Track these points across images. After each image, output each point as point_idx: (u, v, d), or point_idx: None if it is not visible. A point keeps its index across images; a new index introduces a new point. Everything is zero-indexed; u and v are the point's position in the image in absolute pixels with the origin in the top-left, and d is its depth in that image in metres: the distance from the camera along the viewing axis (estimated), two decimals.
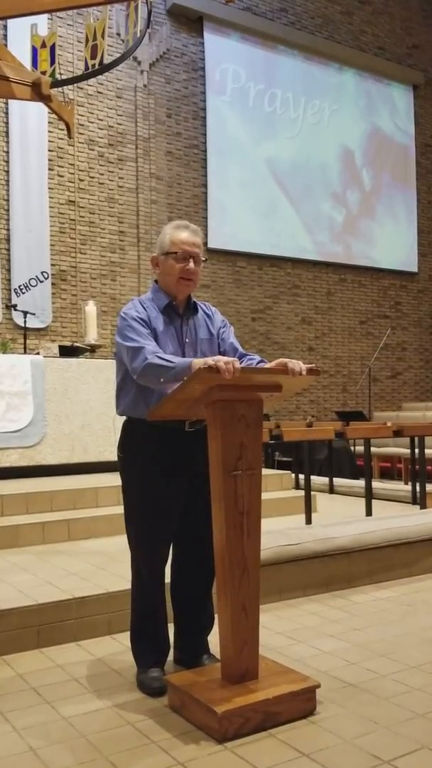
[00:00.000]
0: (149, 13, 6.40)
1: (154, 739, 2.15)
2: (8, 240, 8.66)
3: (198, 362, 2.24)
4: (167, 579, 2.68)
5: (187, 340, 2.59)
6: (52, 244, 8.95)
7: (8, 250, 8.65)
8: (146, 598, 2.59)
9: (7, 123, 8.72)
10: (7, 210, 8.67)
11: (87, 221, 9.30)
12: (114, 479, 5.11)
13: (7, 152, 8.71)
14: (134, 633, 2.62)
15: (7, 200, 8.67)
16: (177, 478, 2.53)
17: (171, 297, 2.60)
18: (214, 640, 2.61)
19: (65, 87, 7.30)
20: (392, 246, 11.96)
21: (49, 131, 8.97)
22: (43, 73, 6.08)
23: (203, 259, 2.62)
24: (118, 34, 9.27)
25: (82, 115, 9.20)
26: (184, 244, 2.54)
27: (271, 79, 10.82)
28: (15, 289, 8.56)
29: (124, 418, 2.65)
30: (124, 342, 2.47)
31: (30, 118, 8.74)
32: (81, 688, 2.55)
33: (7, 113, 8.72)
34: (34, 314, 7.98)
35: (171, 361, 2.33)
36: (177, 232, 2.57)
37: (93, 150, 9.40)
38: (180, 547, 2.68)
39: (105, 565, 3.65)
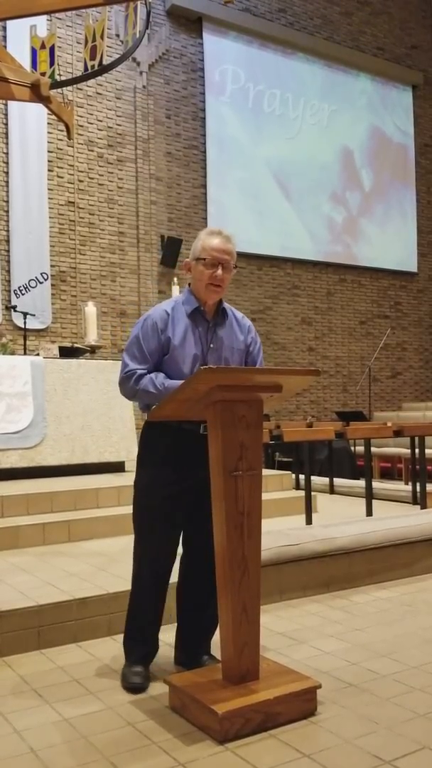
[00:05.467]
0: (148, 14, 6.40)
1: (155, 740, 2.15)
2: (8, 241, 8.66)
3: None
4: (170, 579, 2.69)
5: (211, 345, 2.60)
6: (51, 245, 8.95)
7: (8, 251, 8.65)
8: (142, 595, 2.62)
9: (6, 124, 8.72)
10: (7, 211, 8.67)
11: (87, 222, 9.30)
12: (114, 480, 5.13)
13: (7, 153, 8.71)
14: (126, 626, 2.67)
15: (7, 201, 8.67)
16: (188, 479, 2.55)
17: (200, 302, 2.62)
18: (214, 640, 2.62)
19: (64, 88, 7.30)
20: (392, 246, 11.96)
21: (49, 132, 8.97)
22: (43, 74, 6.07)
23: (234, 266, 2.63)
24: (117, 35, 9.27)
25: (81, 116, 9.20)
26: (214, 250, 2.56)
27: (271, 79, 10.82)
28: (15, 290, 8.56)
29: (128, 418, 2.68)
30: (125, 352, 2.62)
31: (29, 120, 8.74)
32: (82, 689, 2.55)
33: (6, 114, 8.72)
34: (33, 315, 7.97)
35: (158, 388, 2.49)
36: (209, 239, 2.59)
37: (92, 151, 9.41)
38: (187, 549, 2.70)
39: (105, 566, 3.65)
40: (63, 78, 6.53)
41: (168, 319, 2.57)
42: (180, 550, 2.71)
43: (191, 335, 2.58)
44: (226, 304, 2.70)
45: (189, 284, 2.69)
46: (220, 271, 2.56)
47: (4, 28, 8.57)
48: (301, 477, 5.97)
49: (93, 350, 6.40)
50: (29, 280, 8.64)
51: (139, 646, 2.62)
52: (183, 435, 2.53)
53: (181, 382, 2.43)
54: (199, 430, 2.52)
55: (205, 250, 2.57)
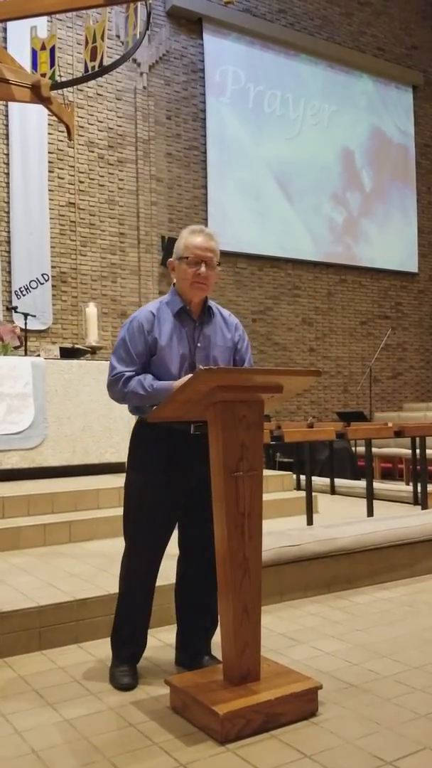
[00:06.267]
0: (148, 14, 6.40)
1: (156, 741, 2.15)
2: (9, 242, 8.66)
3: (177, 384, 2.41)
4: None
5: (199, 344, 2.60)
6: (52, 246, 8.95)
7: (9, 252, 8.66)
8: (132, 595, 2.63)
9: (7, 125, 8.73)
10: (8, 212, 8.67)
11: (87, 223, 9.31)
12: (115, 481, 5.12)
13: (8, 154, 8.72)
14: (114, 626, 2.67)
15: (8, 202, 8.68)
16: (179, 479, 2.55)
17: (186, 301, 2.61)
18: (215, 641, 2.62)
19: (65, 89, 7.30)
20: (392, 246, 11.96)
21: (49, 133, 8.98)
22: (43, 75, 6.07)
23: (217, 263, 2.62)
24: (118, 36, 9.28)
25: (82, 117, 9.21)
26: (197, 248, 2.56)
27: (271, 80, 10.82)
28: (15, 291, 8.57)
29: (129, 419, 2.68)
30: (113, 355, 2.61)
31: (30, 121, 8.75)
32: (83, 689, 2.55)
33: (7, 116, 8.73)
34: (34, 316, 7.98)
35: (148, 390, 2.49)
36: (192, 237, 2.58)
37: (93, 152, 9.41)
38: (184, 550, 2.70)
39: (106, 566, 3.65)
40: (63, 79, 6.53)
41: (154, 320, 2.57)
42: (176, 551, 2.71)
43: (178, 335, 2.57)
44: (212, 303, 2.69)
45: (173, 284, 2.69)
46: (203, 269, 2.55)
47: (5, 29, 8.57)
48: (302, 477, 5.97)
49: (94, 351, 6.40)
50: (30, 281, 8.65)
51: (128, 646, 2.63)
52: (174, 436, 2.53)
53: (169, 383, 2.45)
54: (190, 430, 2.52)
55: (188, 249, 2.57)
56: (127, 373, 2.53)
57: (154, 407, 2.42)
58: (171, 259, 2.65)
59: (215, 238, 2.62)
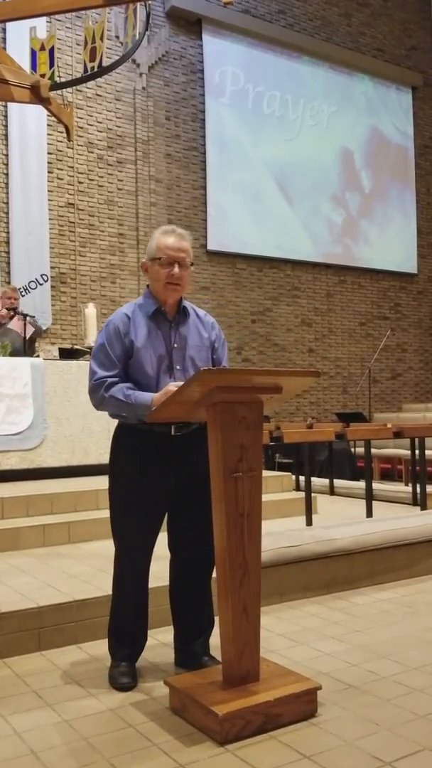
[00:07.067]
0: (148, 15, 6.41)
1: (156, 742, 2.14)
2: (8, 243, 8.66)
3: (157, 397, 2.42)
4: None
5: (175, 345, 2.59)
6: (51, 247, 8.96)
7: (8, 252, 8.66)
8: (125, 596, 2.64)
9: (6, 126, 8.74)
10: (7, 213, 8.68)
11: (86, 224, 9.31)
12: None
13: (7, 155, 8.73)
14: (110, 627, 2.68)
15: (7, 203, 8.68)
16: (161, 480, 2.56)
17: (160, 302, 2.61)
18: (214, 642, 2.61)
19: (64, 90, 7.31)
20: (392, 247, 11.97)
21: (49, 134, 8.98)
22: (42, 75, 6.08)
23: (191, 263, 2.61)
24: (117, 37, 9.28)
25: (81, 118, 9.21)
26: (169, 249, 2.55)
27: (270, 81, 10.83)
28: None
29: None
30: (92, 359, 2.60)
31: (29, 121, 8.75)
32: (82, 690, 2.55)
33: (6, 116, 8.74)
34: (33, 317, 7.97)
35: (129, 398, 2.47)
36: (164, 238, 2.57)
37: (92, 152, 9.42)
38: (175, 552, 2.70)
39: (105, 567, 3.63)
40: (63, 79, 6.55)
41: (129, 323, 2.57)
42: (167, 552, 2.71)
43: (154, 336, 2.57)
44: (186, 303, 2.68)
45: (147, 285, 2.68)
46: (177, 270, 2.55)
47: (4, 30, 8.58)
48: (301, 478, 5.97)
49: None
50: (29, 282, 8.65)
51: (125, 647, 2.64)
52: (154, 437, 2.53)
53: (149, 396, 2.46)
54: (171, 431, 2.52)
55: (160, 250, 2.56)
56: (110, 379, 2.53)
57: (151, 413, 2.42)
58: (144, 261, 2.65)
59: (187, 237, 2.61)
